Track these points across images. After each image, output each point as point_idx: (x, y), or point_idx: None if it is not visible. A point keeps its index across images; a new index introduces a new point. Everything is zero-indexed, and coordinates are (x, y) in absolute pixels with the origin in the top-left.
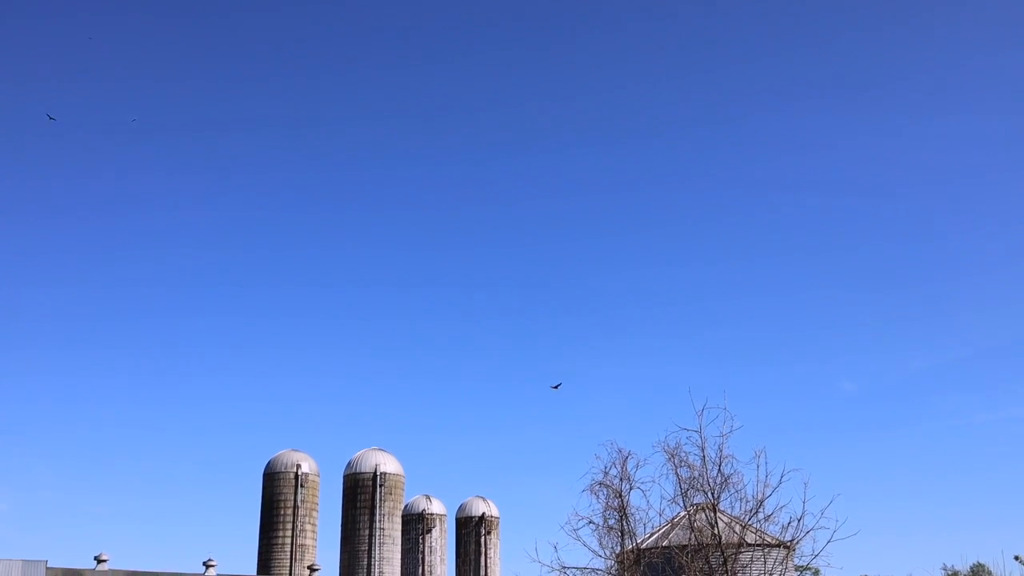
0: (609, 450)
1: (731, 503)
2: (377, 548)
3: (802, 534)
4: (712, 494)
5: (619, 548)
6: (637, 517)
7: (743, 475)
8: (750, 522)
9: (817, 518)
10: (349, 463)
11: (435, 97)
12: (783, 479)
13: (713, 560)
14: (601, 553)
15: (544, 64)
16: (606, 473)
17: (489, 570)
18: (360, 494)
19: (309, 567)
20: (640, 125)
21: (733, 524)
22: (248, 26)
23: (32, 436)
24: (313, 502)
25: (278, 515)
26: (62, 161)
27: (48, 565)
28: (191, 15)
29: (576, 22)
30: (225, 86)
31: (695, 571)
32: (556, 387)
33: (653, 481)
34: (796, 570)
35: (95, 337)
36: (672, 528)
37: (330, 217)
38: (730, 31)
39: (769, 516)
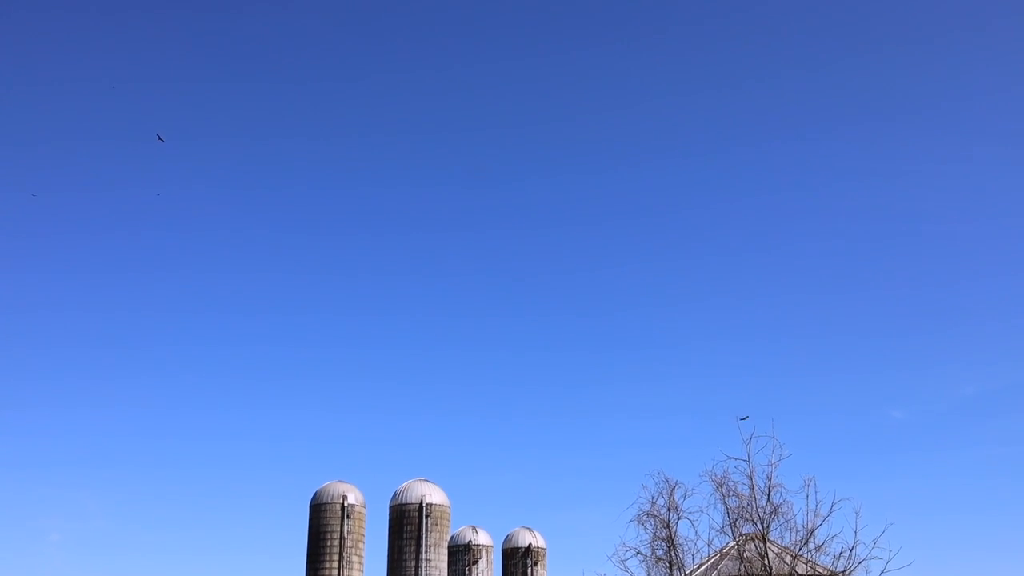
0: (656, 480)
1: (781, 533)
2: None
3: (854, 564)
4: (761, 524)
5: None
6: (685, 547)
7: (793, 504)
8: (801, 552)
9: (869, 548)
10: (395, 494)
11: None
12: (833, 508)
13: None
14: None
15: (590, 76)
16: (653, 503)
17: None
18: (406, 525)
19: None
20: (683, 144)
21: (783, 554)
22: (252, 34)
23: (84, 468)
24: (359, 533)
25: (325, 546)
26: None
27: None
28: (194, 19)
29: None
30: (232, 98)
31: None
32: (744, 419)
33: (701, 511)
34: None
35: (142, 369)
36: (721, 559)
37: (375, 245)
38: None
39: (820, 546)
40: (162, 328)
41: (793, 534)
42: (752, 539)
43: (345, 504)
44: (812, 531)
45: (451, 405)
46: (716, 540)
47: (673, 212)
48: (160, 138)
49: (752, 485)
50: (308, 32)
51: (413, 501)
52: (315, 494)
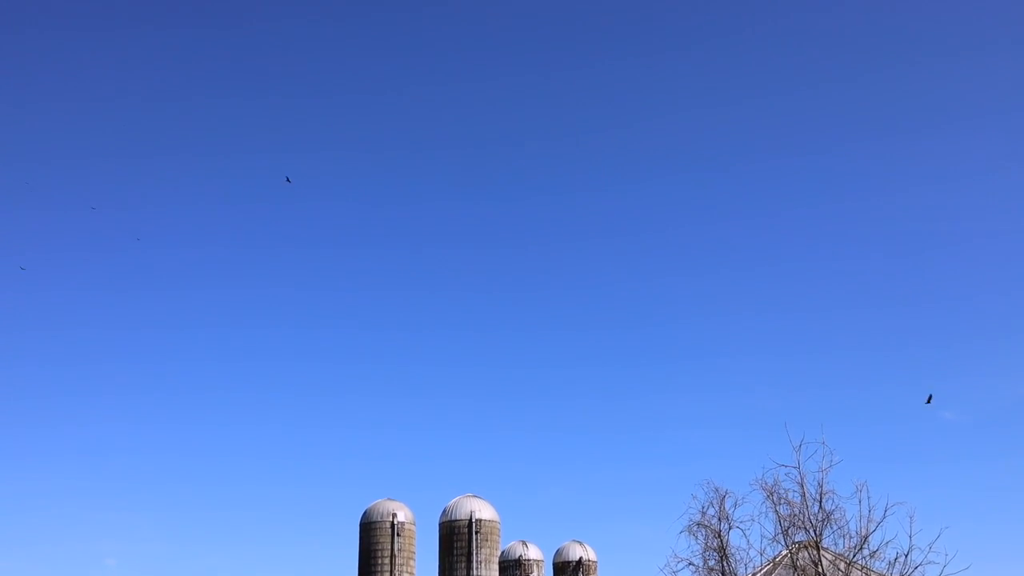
0: (706, 489)
1: (834, 540)
2: None
3: (910, 570)
4: (814, 531)
5: None
6: (737, 557)
7: (845, 510)
8: (855, 559)
9: (925, 553)
10: (444, 510)
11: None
12: (887, 513)
13: None
14: None
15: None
16: (704, 513)
17: None
18: (456, 541)
19: None
20: (725, 155)
21: (837, 561)
22: (255, 44)
23: (139, 491)
24: (410, 551)
25: (375, 564)
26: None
27: None
28: (196, 28)
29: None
30: (233, 108)
31: None
32: (928, 400)
33: (752, 520)
34: None
35: (194, 391)
36: (774, 567)
37: (422, 259)
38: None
39: (875, 552)
40: (212, 348)
41: (847, 540)
42: (805, 547)
43: (395, 522)
44: (866, 537)
45: (499, 420)
46: (768, 549)
47: (719, 223)
48: (288, 180)
49: (803, 492)
50: (310, 41)
51: (463, 517)
52: (365, 512)
